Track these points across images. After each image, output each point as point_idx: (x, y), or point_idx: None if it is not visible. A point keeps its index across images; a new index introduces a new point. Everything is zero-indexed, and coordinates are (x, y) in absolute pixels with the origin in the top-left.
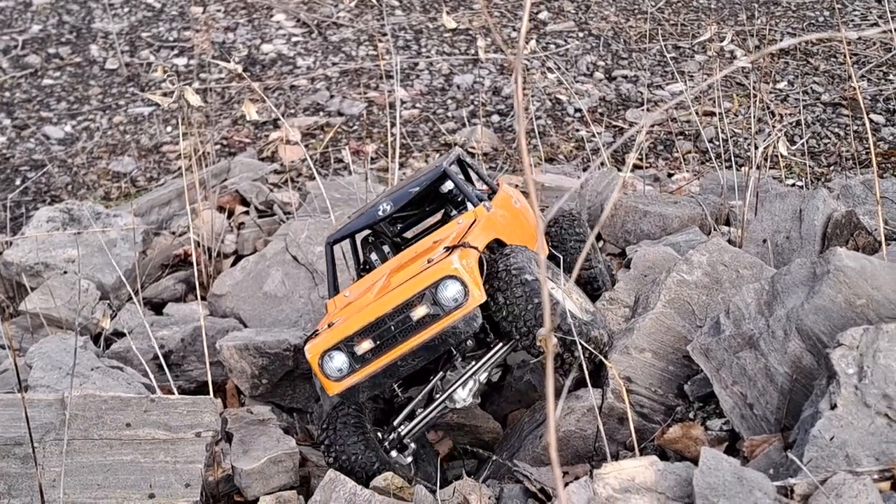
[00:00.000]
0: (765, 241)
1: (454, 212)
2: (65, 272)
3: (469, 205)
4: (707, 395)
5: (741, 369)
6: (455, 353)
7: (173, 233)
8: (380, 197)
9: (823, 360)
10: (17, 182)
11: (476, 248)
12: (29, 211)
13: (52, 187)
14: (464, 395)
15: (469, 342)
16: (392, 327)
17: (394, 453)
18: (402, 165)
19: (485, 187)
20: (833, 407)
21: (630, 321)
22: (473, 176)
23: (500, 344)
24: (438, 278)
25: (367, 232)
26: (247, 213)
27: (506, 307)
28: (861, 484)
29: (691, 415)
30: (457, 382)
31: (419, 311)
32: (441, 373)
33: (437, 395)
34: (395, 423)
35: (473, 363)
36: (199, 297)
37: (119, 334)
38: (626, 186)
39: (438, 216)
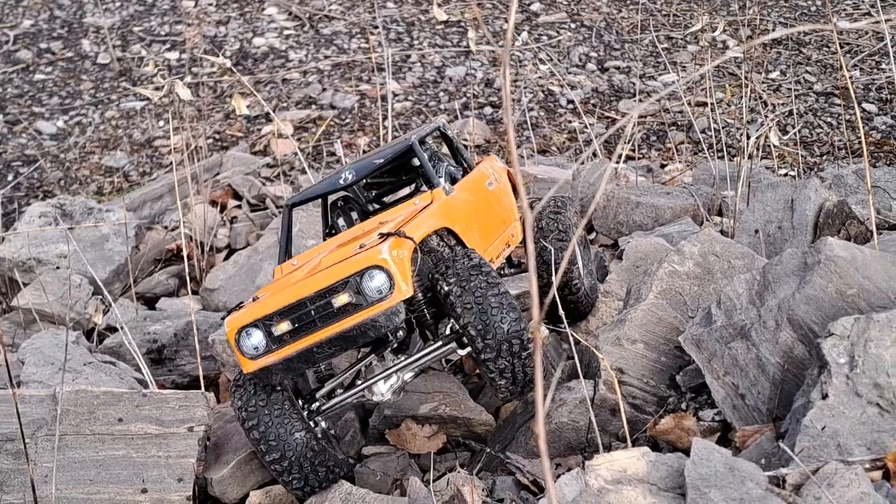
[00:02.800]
0: (757, 231)
1: (423, 186)
2: (57, 267)
3: (438, 180)
4: (699, 386)
5: (733, 360)
6: (387, 343)
7: (166, 227)
8: (349, 164)
9: (815, 350)
10: (10, 177)
11: (412, 239)
12: (21, 206)
13: (45, 182)
14: (383, 389)
15: (400, 334)
16: (312, 312)
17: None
18: None
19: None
20: (824, 397)
21: (622, 312)
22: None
23: (435, 345)
24: (364, 267)
25: (341, 194)
26: (239, 206)
27: (472, 314)
28: (853, 473)
29: (683, 406)
30: (378, 375)
31: (341, 299)
32: (368, 360)
33: (360, 382)
34: (319, 394)
35: (402, 358)
36: (191, 291)
37: (112, 329)
38: (619, 177)
39: (412, 187)
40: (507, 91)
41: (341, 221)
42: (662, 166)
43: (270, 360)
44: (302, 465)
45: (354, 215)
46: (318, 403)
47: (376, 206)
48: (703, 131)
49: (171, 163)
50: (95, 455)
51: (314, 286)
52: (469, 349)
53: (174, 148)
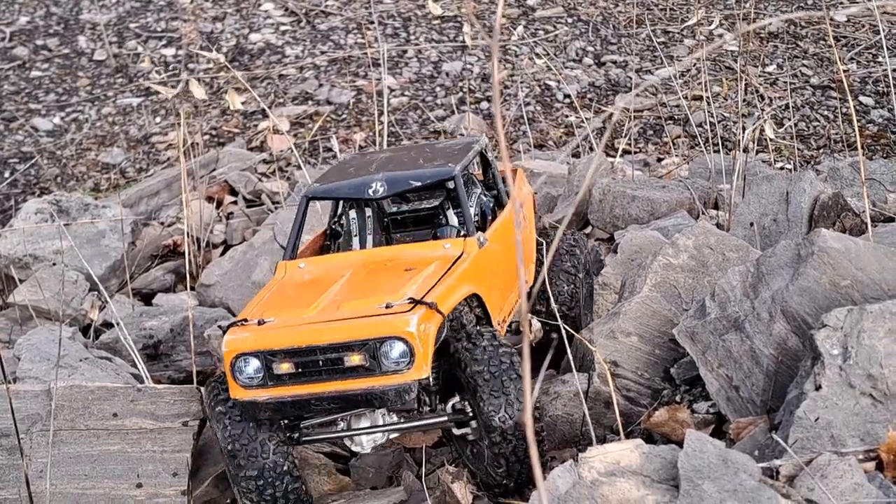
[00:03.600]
0: (752, 224)
1: (451, 213)
2: (53, 264)
3: (470, 210)
4: (693, 379)
5: (727, 352)
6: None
7: (162, 223)
8: (377, 166)
9: (808, 342)
10: (6, 174)
11: (442, 314)
12: (18, 203)
13: (42, 179)
14: (365, 442)
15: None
16: (320, 362)
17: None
18: None
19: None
20: (818, 388)
21: (616, 305)
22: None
23: (436, 419)
24: (387, 334)
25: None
26: (235, 202)
27: (497, 402)
28: (846, 464)
29: (678, 398)
30: (366, 430)
31: (354, 359)
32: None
33: (342, 424)
34: (303, 423)
35: (394, 419)
36: (187, 287)
37: (108, 325)
38: (616, 171)
39: (434, 199)
40: (497, 82)
41: (353, 214)
42: (659, 160)
43: (262, 395)
44: (275, 489)
45: (368, 212)
46: (298, 433)
47: (393, 211)
48: (699, 125)
49: (167, 159)
50: (90, 450)
51: (329, 336)
52: (466, 430)
53: (171, 144)
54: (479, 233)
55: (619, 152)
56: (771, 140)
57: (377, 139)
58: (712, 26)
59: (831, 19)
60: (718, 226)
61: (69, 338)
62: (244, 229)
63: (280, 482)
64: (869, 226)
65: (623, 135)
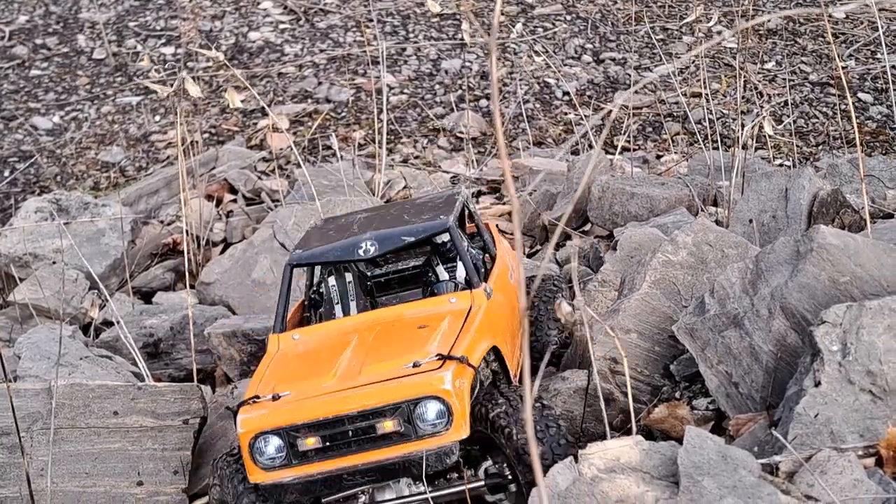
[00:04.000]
0: (751, 220)
1: (440, 268)
2: (53, 262)
3: (460, 271)
4: (693, 375)
5: (726, 348)
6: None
7: (161, 222)
8: (368, 222)
9: (807, 338)
10: (6, 173)
11: (473, 368)
12: (18, 202)
13: (41, 178)
14: None
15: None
16: (350, 432)
17: None
18: (390, 152)
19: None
20: (817, 384)
21: (616, 302)
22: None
23: (470, 486)
24: (422, 395)
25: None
26: (235, 201)
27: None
28: (846, 460)
29: (677, 394)
30: (392, 502)
31: (387, 426)
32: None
33: (363, 498)
34: (324, 501)
35: (420, 486)
36: (187, 285)
37: (109, 324)
38: (615, 168)
39: (418, 258)
40: (496, 80)
41: (332, 281)
42: (658, 157)
43: (288, 475)
44: None
45: (349, 277)
46: None
47: (376, 273)
48: (698, 122)
49: (167, 158)
50: (91, 448)
51: (357, 403)
52: (500, 496)
53: (170, 143)
54: (484, 283)
55: (619, 149)
56: (770, 137)
57: (376, 137)
58: (711, 23)
59: (830, 16)
60: (717, 223)
61: (69, 336)
62: (244, 227)
63: None
64: (868, 222)
65: (622, 132)
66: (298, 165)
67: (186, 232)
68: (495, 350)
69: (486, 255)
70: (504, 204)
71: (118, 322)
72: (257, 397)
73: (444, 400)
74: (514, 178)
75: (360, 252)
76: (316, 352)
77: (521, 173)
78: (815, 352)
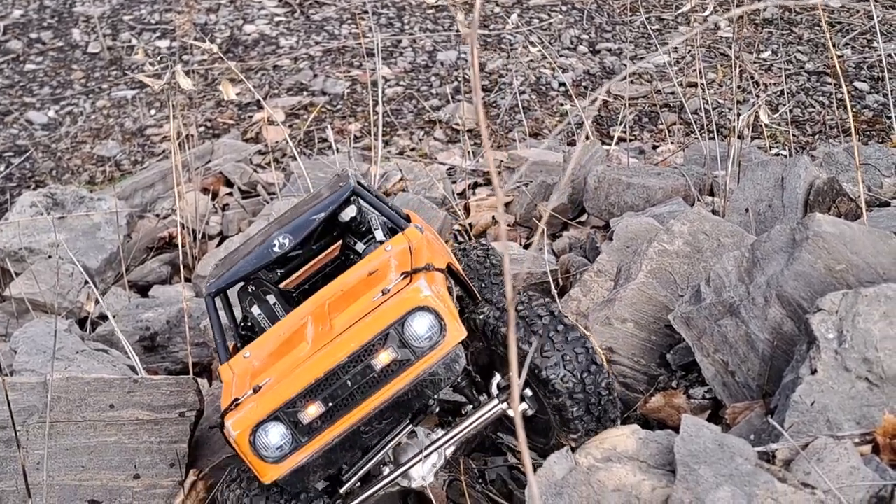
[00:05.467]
0: (747, 209)
1: (359, 245)
2: (49, 257)
3: (379, 235)
4: (689, 364)
5: (722, 337)
6: (423, 411)
7: (157, 215)
8: (270, 227)
9: (803, 326)
10: (1, 168)
11: (442, 272)
12: (13, 197)
13: (37, 172)
14: (424, 472)
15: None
16: (348, 382)
17: None
18: (386, 144)
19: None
20: (813, 372)
21: (612, 292)
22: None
23: (490, 405)
24: (405, 311)
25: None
26: (231, 194)
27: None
28: (842, 448)
29: (674, 384)
30: (417, 457)
31: (383, 358)
32: (396, 439)
33: (388, 467)
34: (342, 489)
35: (440, 431)
36: (183, 278)
37: (105, 318)
38: (611, 159)
39: (332, 250)
40: (476, 75)
41: (256, 310)
42: (654, 147)
43: (303, 456)
44: None
45: (272, 299)
46: (340, 502)
47: (297, 285)
48: (694, 112)
49: (162, 151)
50: (87, 441)
51: (344, 350)
52: (526, 405)
53: (167, 137)
54: (411, 223)
55: (615, 140)
56: (766, 126)
57: (372, 129)
58: (706, 12)
59: (825, 5)
60: (714, 212)
61: (65, 330)
62: (240, 220)
63: None
64: (864, 210)
65: (618, 122)
66: (294, 158)
67: (182, 225)
68: (452, 273)
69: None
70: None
71: (111, 316)
72: (237, 400)
73: (428, 308)
74: (510, 169)
75: (276, 248)
76: (275, 348)
77: (516, 164)
78: (811, 339)
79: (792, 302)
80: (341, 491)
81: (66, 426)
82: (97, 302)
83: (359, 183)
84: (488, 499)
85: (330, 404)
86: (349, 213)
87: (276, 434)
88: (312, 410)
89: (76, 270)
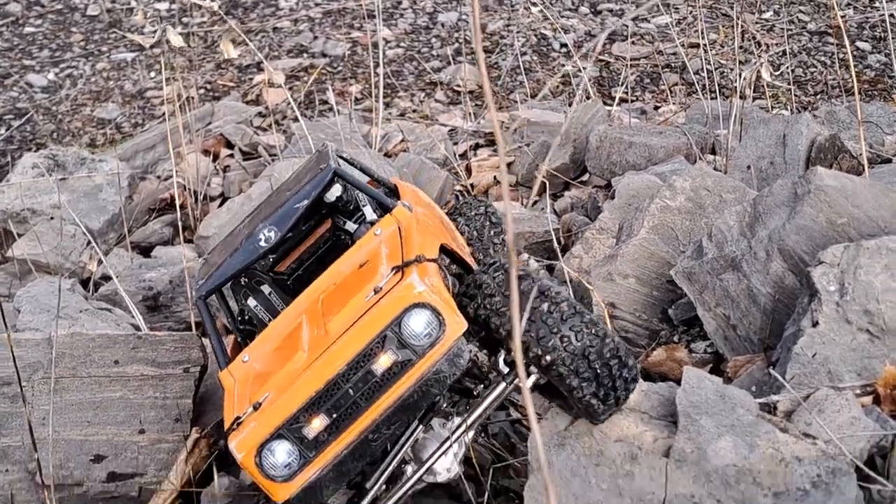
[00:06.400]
0: (749, 167)
1: (349, 224)
2: (51, 218)
3: (368, 212)
4: (691, 319)
5: (724, 291)
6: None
7: (159, 177)
8: (253, 220)
9: (805, 279)
10: (2, 131)
11: (435, 262)
12: (14, 160)
13: (38, 135)
14: (447, 464)
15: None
16: (350, 391)
17: None
18: (387, 106)
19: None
20: (815, 324)
21: (614, 248)
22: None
23: (501, 386)
24: (400, 311)
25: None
26: (232, 156)
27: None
28: (843, 399)
29: (675, 338)
30: (439, 450)
31: (383, 361)
32: (412, 436)
33: (410, 466)
34: (364, 502)
35: (456, 419)
36: (184, 239)
37: (108, 279)
38: (613, 120)
39: (320, 233)
40: (478, 31)
41: (252, 302)
42: (656, 108)
43: (313, 472)
44: None
45: (266, 289)
46: None
47: (291, 271)
48: (696, 73)
49: (163, 114)
50: (93, 397)
51: (341, 357)
52: (535, 378)
53: (166, 99)
54: (398, 201)
55: (616, 101)
56: (768, 86)
57: (373, 91)
58: None
59: None
60: (715, 170)
61: (68, 289)
62: (241, 182)
63: None
64: (866, 167)
65: (620, 84)
66: (296, 120)
67: (183, 187)
68: (446, 251)
69: (383, 186)
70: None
71: (115, 276)
72: (238, 418)
73: (423, 304)
74: (511, 130)
75: (263, 243)
76: (273, 351)
77: (518, 125)
78: (813, 292)
79: (793, 255)
80: (365, 501)
81: (72, 382)
82: (100, 262)
83: (340, 157)
84: (491, 452)
85: (334, 415)
86: (334, 192)
87: (282, 452)
88: (317, 424)
89: (78, 231)
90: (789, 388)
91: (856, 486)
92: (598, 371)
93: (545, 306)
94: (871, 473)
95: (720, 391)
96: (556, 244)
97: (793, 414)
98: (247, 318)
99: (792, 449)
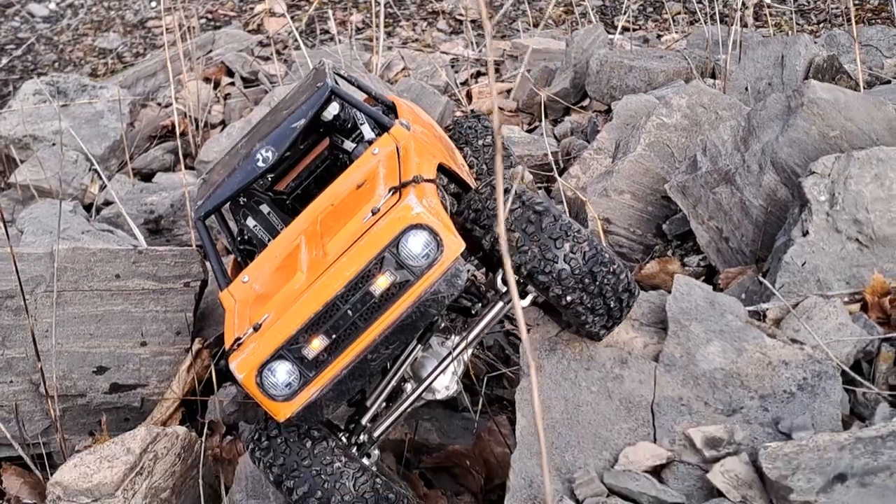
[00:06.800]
0: (747, 88)
1: (347, 143)
2: (53, 144)
3: (366, 131)
4: (685, 234)
5: (717, 204)
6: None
7: (159, 104)
8: (250, 140)
9: (796, 189)
10: (3, 60)
11: (433, 182)
12: (16, 89)
13: (39, 65)
14: (446, 381)
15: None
16: (349, 311)
17: (364, 460)
18: (388, 35)
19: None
20: (805, 234)
21: (610, 165)
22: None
23: (498, 305)
24: (398, 232)
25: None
26: (233, 83)
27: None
28: (831, 306)
29: (669, 252)
30: (438, 368)
31: (381, 282)
32: (411, 355)
33: (409, 384)
34: (364, 420)
35: (454, 338)
36: (185, 166)
37: (109, 204)
38: (615, 47)
39: (318, 151)
40: None
41: (251, 222)
42: (659, 37)
43: (312, 391)
44: (342, 497)
45: (265, 208)
46: (364, 434)
47: (290, 189)
48: (699, 1)
49: (164, 43)
50: (94, 310)
51: (339, 279)
52: (532, 298)
53: (166, 28)
54: (396, 119)
55: (619, 29)
56: (768, 5)
57: (374, 20)
58: None
59: None
60: None
61: (70, 211)
62: (242, 109)
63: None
64: (861, 84)
65: (622, 12)
66: (298, 48)
67: (184, 114)
68: (444, 171)
69: (380, 104)
70: (502, 82)
71: (117, 199)
72: (238, 339)
73: (421, 225)
74: (513, 58)
75: (260, 163)
76: (273, 272)
77: (520, 53)
78: (804, 202)
79: (786, 168)
80: (365, 418)
81: (74, 295)
82: (102, 187)
83: (337, 75)
84: (486, 363)
85: (333, 336)
86: (331, 111)
87: (282, 372)
88: (316, 344)
89: (80, 157)
90: (779, 296)
91: (841, 389)
92: (596, 293)
93: (542, 227)
94: (857, 377)
95: (710, 298)
96: (553, 165)
97: (782, 321)
98: (246, 237)
99: (779, 353)
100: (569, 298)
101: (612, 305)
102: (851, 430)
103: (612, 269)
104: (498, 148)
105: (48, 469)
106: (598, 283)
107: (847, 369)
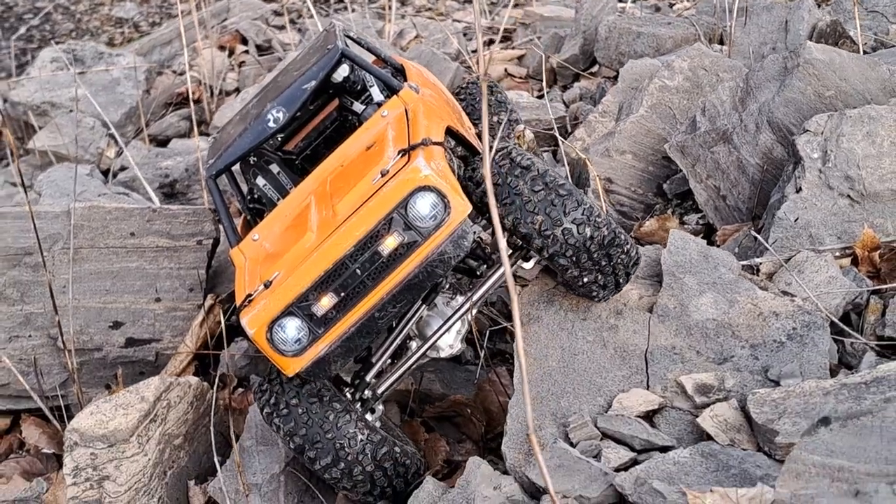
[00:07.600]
0: (751, 52)
1: (356, 105)
2: (70, 111)
3: (375, 93)
4: (684, 193)
5: (715, 163)
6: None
7: (175, 71)
8: (261, 100)
9: (790, 147)
10: (22, 29)
11: (441, 145)
12: (34, 57)
13: (56, 34)
14: (451, 340)
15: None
16: (358, 270)
17: (368, 416)
18: (402, 3)
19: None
20: (798, 190)
21: (613, 126)
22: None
23: (501, 266)
24: (406, 193)
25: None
26: (247, 51)
27: (539, 215)
28: (822, 260)
29: (669, 211)
30: (443, 327)
31: (389, 243)
32: (417, 314)
33: (414, 342)
34: (368, 376)
35: (459, 298)
36: (199, 133)
37: (125, 170)
38: (626, 15)
39: (328, 112)
40: None
41: (261, 181)
42: (671, 5)
43: (322, 347)
44: (364, 467)
45: (275, 168)
46: (368, 390)
47: (300, 150)
48: None
49: (179, 13)
50: (110, 267)
51: (349, 239)
52: (535, 259)
53: None
54: (406, 82)
55: None
56: None
57: None
58: None
59: None
60: None
61: (87, 175)
62: (256, 76)
63: (369, 459)
64: (860, 46)
65: None
66: (311, 17)
67: (199, 82)
68: (452, 133)
69: (390, 66)
70: (513, 49)
71: (133, 163)
72: (249, 296)
73: (429, 187)
74: (525, 25)
75: (271, 123)
76: (283, 231)
77: (531, 20)
78: (798, 160)
79: (782, 127)
80: (371, 374)
81: (90, 252)
82: (118, 153)
83: (347, 36)
84: (489, 318)
85: (342, 294)
86: (341, 73)
87: (292, 328)
88: (326, 301)
89: (97, 123)
90: (771, 250)
91: (829, 339)
92: (599, 259)
93: (544, 193)
94: (845, 328)
95: (704, 252)
96: (555, 127)
97: (774, 275)
98: (256, 196)
99: (770, 305)
100: (575, 269)
101: (618, 275)
102: (837, 377)
103: (618, 242)
104: (484, 91)
105: (66, 420)
106: (604, 255)
107: (836, 320)
